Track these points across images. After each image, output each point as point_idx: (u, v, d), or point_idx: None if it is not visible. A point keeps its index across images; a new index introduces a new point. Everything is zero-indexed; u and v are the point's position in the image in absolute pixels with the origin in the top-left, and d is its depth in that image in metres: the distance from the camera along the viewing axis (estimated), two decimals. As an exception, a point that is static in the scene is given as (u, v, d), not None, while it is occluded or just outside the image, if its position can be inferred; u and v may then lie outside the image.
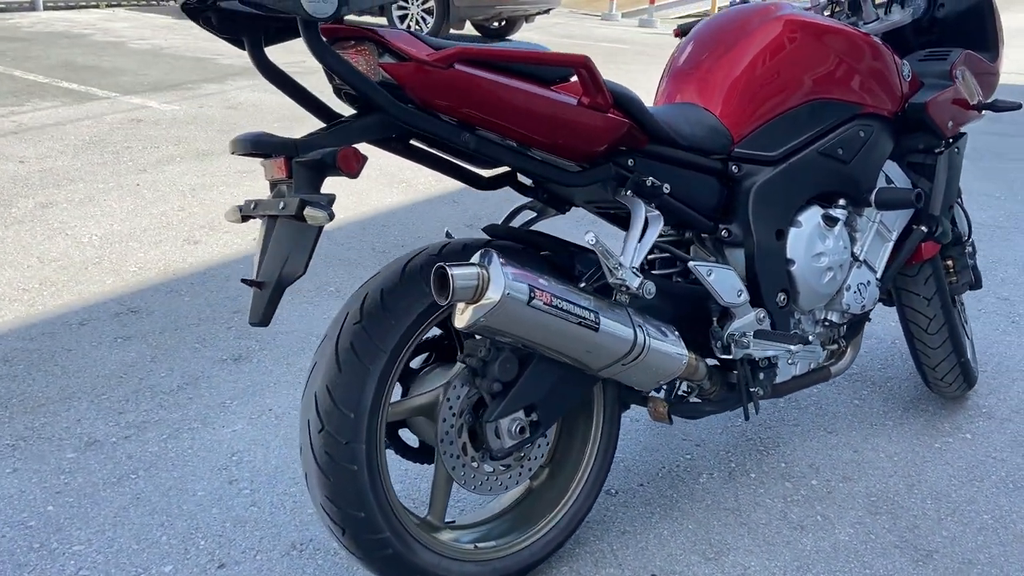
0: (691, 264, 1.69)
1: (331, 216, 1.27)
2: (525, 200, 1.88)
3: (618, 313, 1.53)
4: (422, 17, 9.50)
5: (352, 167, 1.32)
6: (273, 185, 1.42)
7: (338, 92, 1.51)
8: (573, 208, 1.79)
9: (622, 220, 1.90)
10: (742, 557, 1.79)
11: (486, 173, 1.76)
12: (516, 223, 1.91)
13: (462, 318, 1.38)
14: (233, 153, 1.43)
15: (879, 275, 2.00)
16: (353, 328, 1.45)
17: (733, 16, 1.92)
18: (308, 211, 1.28)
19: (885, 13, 2.19)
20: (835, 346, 2.05)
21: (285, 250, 1.34)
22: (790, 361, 1.90)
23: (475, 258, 1.40)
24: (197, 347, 2.59)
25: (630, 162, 1.63)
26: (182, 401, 2.29)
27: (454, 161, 1.66)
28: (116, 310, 2.81)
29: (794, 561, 1.78)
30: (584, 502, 1.72)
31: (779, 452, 2.18)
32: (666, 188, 1.66)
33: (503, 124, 1.45)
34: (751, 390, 1.82)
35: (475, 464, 1.58)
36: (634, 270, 1.52)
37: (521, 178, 1.78)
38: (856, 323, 2.06)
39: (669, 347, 1.59)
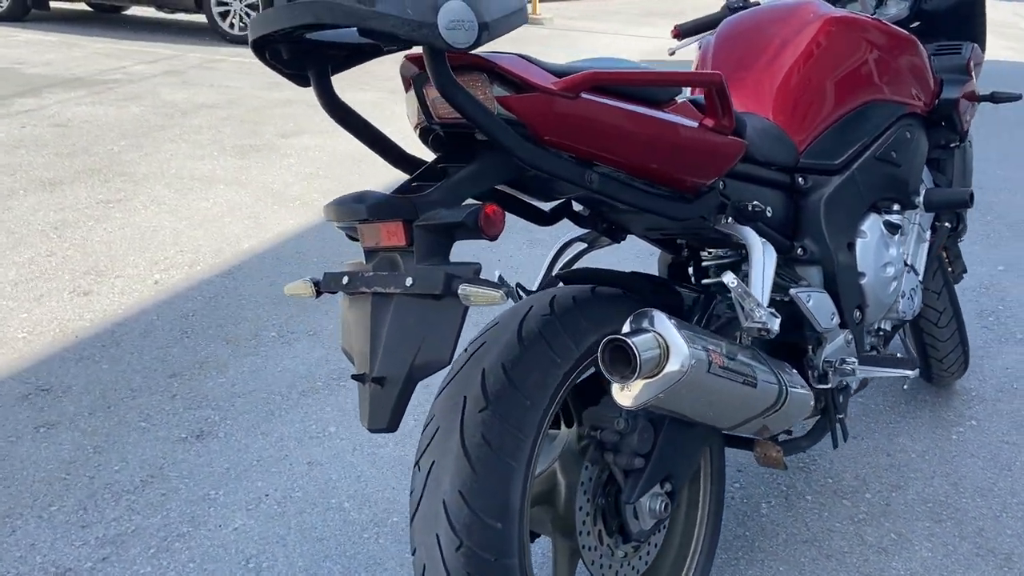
0: (793, 291, 1.55)
1: (507, 292, 1.02)
2: (579, 232, 1.68)
3: (758, 360, 1.37)
4: (246, 12, 8.86)
5: (498, 227, 1.08)
6: (371, 253, 1.15)
7: (425, 133, 1.25)
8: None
9: (670, 244, 1.74)
10: (847, 594, 1.69)
11: (546, 206, 1.55)
12: (565, 258, 1.72)
13: (628, 395, 1.17)
14: (334, 221, 1.14)
15: (921, 277, 1.96)
16: (480, 417, 1.18)
17: (770, 16, 1.79)
18: (465, 289, 1.02)
19: (877, 6, 2.15)
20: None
21: (415, 335, 1.08)
22: (858, 379, 1.82)
23: (640, 322, 1.18)
24: (144, 427, 2.18)
25: (721, 184, 1.47)
26: (154, 500, 1.91)
27: (520, 197, 1.44)
28: (22, 391, 2.33)
29: (898, 590, 1.71)
30: (704, 568, 1.55)
31: (820, 467, 2.11)
32: (769, 211, 1.52)
33: (625, 157, 1.24)
34: (839, 416, 1.72)
35: (611, 552, 1.37)
36: (771, 311, 1.37)
37: (577, 207, 1.58)
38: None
39: (800, 388, 1.46)
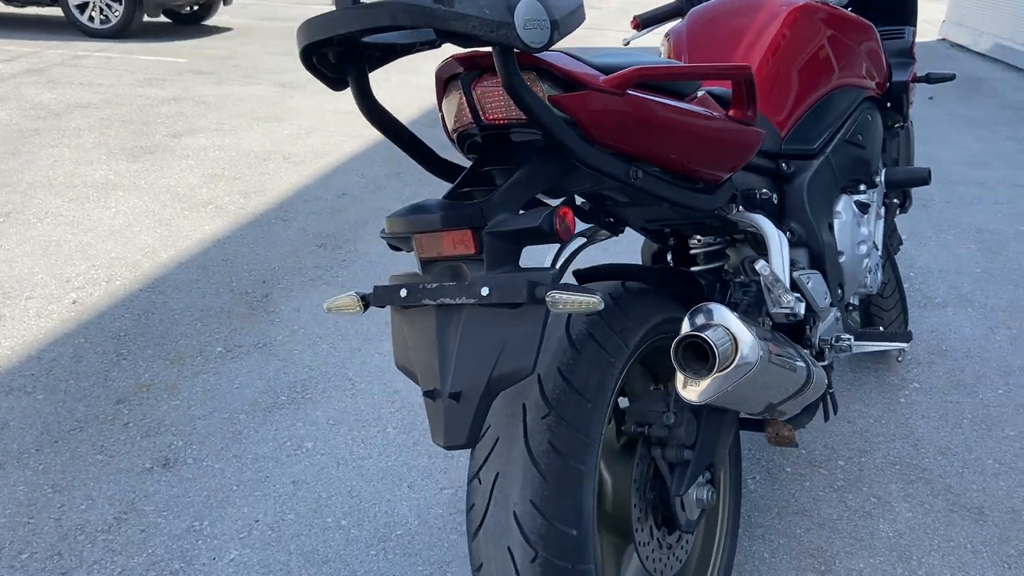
0: (795, 275, 1.60)
1: (602, 299, 1.00)
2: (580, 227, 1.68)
3: (790, 344, 1.40)
4: (107, 5, 8.32)
5: (572, 229, 1.06)
6: (429, 263, 1.10)
7: (462, 137, 1.21)
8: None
9: (657, 233, 1.76)
10: (847, 561, 1.77)
11: (553, 202, 1.54)
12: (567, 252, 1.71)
13: (695, 390, 1.17)
14: (390, 234, 1.09)
15: (881, 252, 2.06)
16: (545, 423, 1.16)
17: (739, 5, 1.83)
18: (555, 296, 0.99)
19: None
20: None
21: (492, 345, 1.04)
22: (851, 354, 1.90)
23: (703, 317, 1.18)
24: (101, 460, 2.03)
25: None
26: (134, 537, 1.78)
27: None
28: (-49, 432, 2.12)
29: (891, 552, 1.80)
30: (730, 547, 1.59)
31: None
32: (775, 198, 1.56)
33: (665, 152, 1.24)
34: (830, 391, 1.79)
35: (659, 545, 1.38)
36: (796, 295, 1.40)
37: (579, 201, 1.58)
38: None
39: (816, 367, 1.51)
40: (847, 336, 1.71)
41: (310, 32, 0.99)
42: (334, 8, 0.97)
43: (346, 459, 2.05)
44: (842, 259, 1.80)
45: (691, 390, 1.17)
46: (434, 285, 1.07)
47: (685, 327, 1.18)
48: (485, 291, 1.03)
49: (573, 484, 1.15)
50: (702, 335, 1.11)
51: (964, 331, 2.80)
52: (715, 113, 1.30)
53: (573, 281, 1.49)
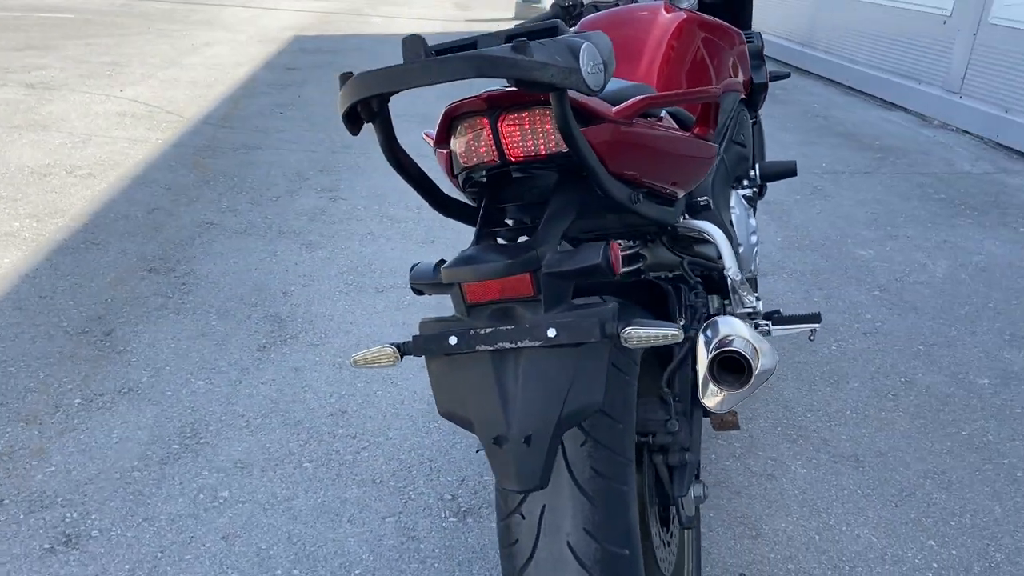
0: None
1: (684, 330, 1.04)
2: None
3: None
4: None
5: (620, 263, 1.10)
6: (474, 307, 1.10)
7: (468, 179, 1.21)
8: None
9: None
10: (771, 523, 1.96)
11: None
12: None
13: (718, 399, 1.25)
14: (449, 283, 1.06)
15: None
16: (584, 451, 1.19)
17: (629, 16, 1.92)
18: (631, 332, 1.03)
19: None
20: None
21: (559, 384, 1.05)
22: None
23: (720, 330, 1.26)
24: (-15, 549, 1.77)
25: None
26: (63, 632, 1.59)
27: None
28: None
29: (803, 508, 2.02)
30: (697, 529, 1.71)
31: None
32: (711, 203, 1.67)
33: (658, 175, 1.31)
34: None
35: (666, 545, 1.46)
36: (757, 296, 1.53)
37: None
38: None
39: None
40: (765, 322, 1.88)
41: (382, 83, 0.95)
42: (411, 63, 0.93)
43: (272, 503, 1.94)
44: (741, 250, 1.97)
45: (717, 400, 1.25)
46: (489, 330, 1.06)
47: (702, 342, 1.25)
48: (552, 332, 1.04)
49: (620, 505, 1.20)
50: (736, 350, 1.19)
51: (788, 296, 3.14)
52: (686, 133, 1.38)
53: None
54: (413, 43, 0.96)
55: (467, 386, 1.08)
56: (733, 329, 1.26)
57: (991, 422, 2.36)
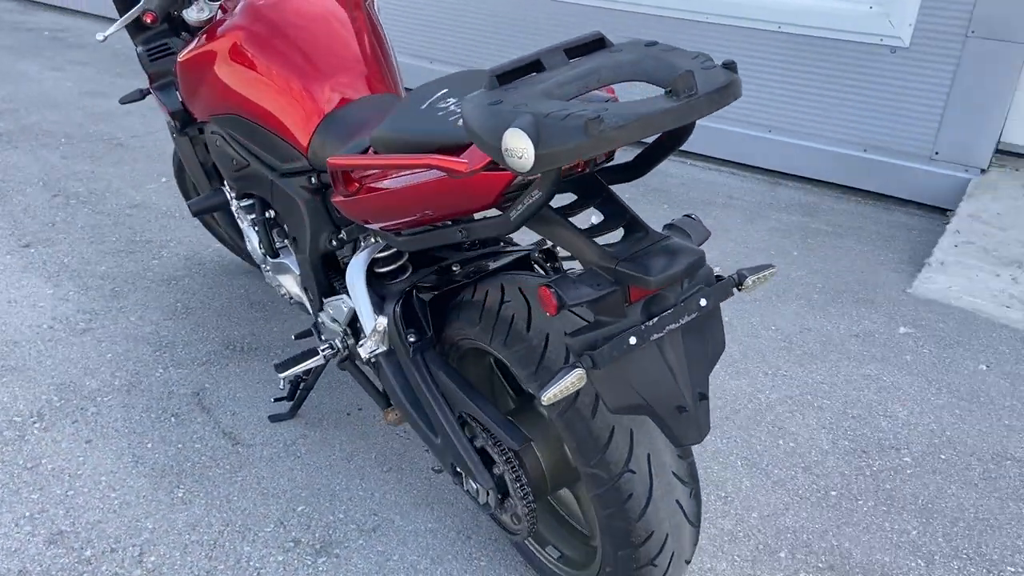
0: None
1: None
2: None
3: None
4: None
5: None
6: (641, 303, 1.21)
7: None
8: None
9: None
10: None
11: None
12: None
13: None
14: (652, 288, 1.15)
15: None
16: (673, 481, 1.39)
17: (306, 3, 1.87)
18: (751, 279, 1.26)
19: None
20: None
21: (704, 343, 1.22)
22: None
23: None
24: None
25: None
26: None
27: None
28: None
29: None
30: None
31: (331, 399, 2.36)
32: None
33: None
34: None
35: None
36: None
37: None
38: None
39: None
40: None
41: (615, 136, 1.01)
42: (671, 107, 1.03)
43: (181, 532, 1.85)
44: None
45: None
46: (654, 321, 1.16)
47: None
48: (703, 302, 1.19)
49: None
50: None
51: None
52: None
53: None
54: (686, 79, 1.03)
55: (639, 377, 1.18)
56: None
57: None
